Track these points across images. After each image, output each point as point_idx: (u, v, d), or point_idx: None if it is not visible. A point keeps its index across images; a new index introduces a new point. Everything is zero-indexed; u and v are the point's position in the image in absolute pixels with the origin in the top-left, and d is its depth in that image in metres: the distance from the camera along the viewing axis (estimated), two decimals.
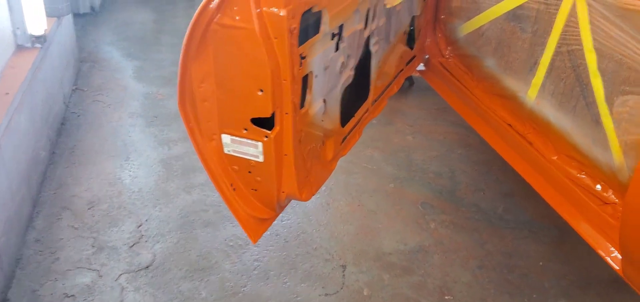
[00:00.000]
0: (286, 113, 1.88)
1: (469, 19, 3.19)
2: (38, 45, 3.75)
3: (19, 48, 3.69)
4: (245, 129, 1.88)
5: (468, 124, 3.31)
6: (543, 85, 2.67)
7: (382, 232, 3.32)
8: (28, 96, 3.35)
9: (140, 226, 3.30)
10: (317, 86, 2.06)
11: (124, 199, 3.50)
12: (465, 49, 3.33)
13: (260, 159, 1.95)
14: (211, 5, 1.66)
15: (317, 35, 1.96)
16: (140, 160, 3.89)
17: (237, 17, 1.68)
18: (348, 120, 2.51)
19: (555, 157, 2.65)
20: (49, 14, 4.07)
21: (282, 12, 1.68)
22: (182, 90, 1.83)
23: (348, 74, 2.35)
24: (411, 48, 3.31)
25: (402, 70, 3.24)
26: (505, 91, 2.99)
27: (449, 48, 3.51)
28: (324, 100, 2.17)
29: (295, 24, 1.76)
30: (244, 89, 1.80)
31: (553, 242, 3.30)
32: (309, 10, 1.87)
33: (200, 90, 1.85)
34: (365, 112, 2.72)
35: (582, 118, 2.45)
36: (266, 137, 1.88)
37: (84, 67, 5.14)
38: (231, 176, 2.05)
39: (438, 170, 3.93)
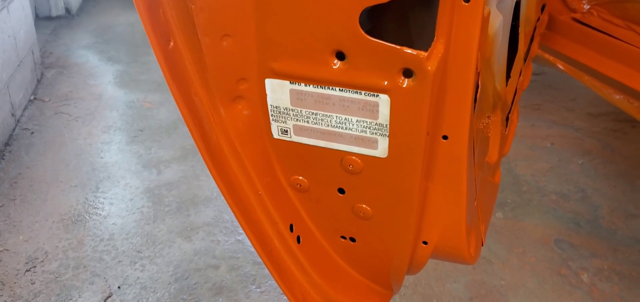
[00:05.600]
0: None
1: None
2: None
3: None
4: (341, 55, 0.61)
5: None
6: None
7: (509, 293, 2.01)
8: None
9: (109, 297, 2.01)
10: None
11: (85, 252, 2.21)
12: None
13: (379, 149, 0.67)
14: None
15: None
16: (115, 191, 2.60)
17: None
18: (507, 79, 1.24)
19: None
20: None
21: None
22: None
23: None
24: None
25: (538, 19, 1.98)
26: None
27: None
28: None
29: None
30: None
31: None
32: None
33: None
34: (519, 76, 1.44)
35: None
36: (409, 75, 0.60)
37: (48, 73, 3.88)
38: (288, 203, 0.78)
39: (560, 189, 2.63)
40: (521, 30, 1.48)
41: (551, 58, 2.51)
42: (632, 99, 2.24)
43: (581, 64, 2.30)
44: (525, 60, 1.58)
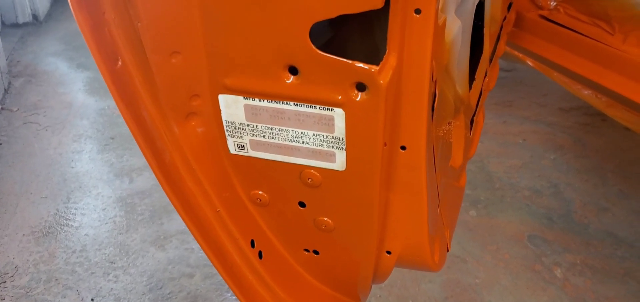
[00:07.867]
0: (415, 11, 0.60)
1: None
2: None
3: None
4: (294, 69, 0.60)
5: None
6: None
7: (484, 291, 2.03)
8: None
9: None
10: None
11: (57, 265, 2.17)
12: None
13: (337, 162, 0.66)
14: None
15: None
16: (87, 201, 2.56)
17: None
18: (471, 82, 1.25)
19: None
20: None
21: None
22: None
23: None
24: None
25: (505, 18, 2.00)
26: None
27: None
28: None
29: None
30: None
31: None
32: None
33: None
34: (485, 77, 1.45)
35: None
36: (362, 89, 0.60)
37: (16, 82, 3.81)
38: (248, 218, 0.77)
39: (533, 185, 2.66)
40: (486, 30, 1.49)
41: (520, 55, 2.53)
42: (600, 95, 2.27)
43: (549, 60, 2.32)
44: (491, 60, 1.59)
